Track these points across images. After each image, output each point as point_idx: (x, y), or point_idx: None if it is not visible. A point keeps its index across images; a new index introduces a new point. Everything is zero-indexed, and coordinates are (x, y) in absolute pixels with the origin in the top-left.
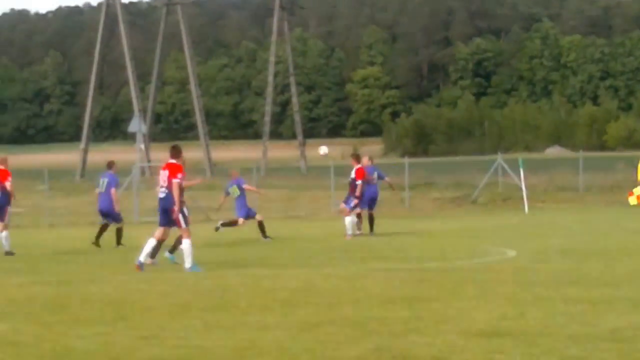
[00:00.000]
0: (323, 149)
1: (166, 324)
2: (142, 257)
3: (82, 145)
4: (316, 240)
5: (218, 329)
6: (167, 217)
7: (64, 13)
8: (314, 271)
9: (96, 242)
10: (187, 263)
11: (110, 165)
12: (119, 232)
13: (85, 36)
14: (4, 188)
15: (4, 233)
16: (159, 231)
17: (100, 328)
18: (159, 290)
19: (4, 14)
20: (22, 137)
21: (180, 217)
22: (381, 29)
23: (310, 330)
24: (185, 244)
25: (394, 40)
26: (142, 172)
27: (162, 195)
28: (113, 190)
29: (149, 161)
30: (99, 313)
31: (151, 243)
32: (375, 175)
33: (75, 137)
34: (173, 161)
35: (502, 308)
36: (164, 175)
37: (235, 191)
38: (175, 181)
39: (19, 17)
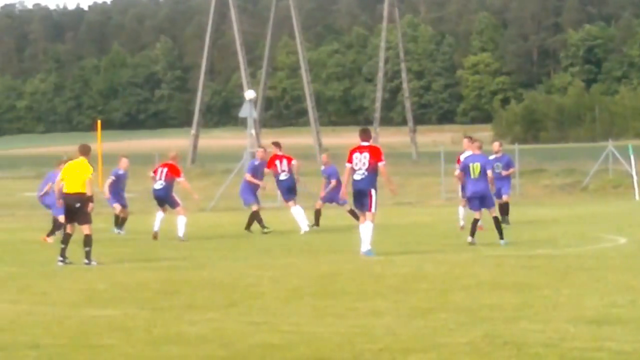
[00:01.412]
0: (249, 94)
1: (277, 310)
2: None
3: (192, 130)
4: (426, 226)
5: (329, 315)
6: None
7: None
8: (424, 257)
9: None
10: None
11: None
12: (253, 217)
13: (196, 21)
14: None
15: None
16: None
17: (212, 314)
18: (269, 276)
19: None
20: (133, 123)
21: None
22: (491, 14)
23: (421, 316)
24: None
25: (504, 26)
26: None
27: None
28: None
29: (259, 147)
30: (210, 299)
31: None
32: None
33: (185, 123)
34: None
35: (612, 295)
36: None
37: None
38: (380, 164)
39: (130, 2)
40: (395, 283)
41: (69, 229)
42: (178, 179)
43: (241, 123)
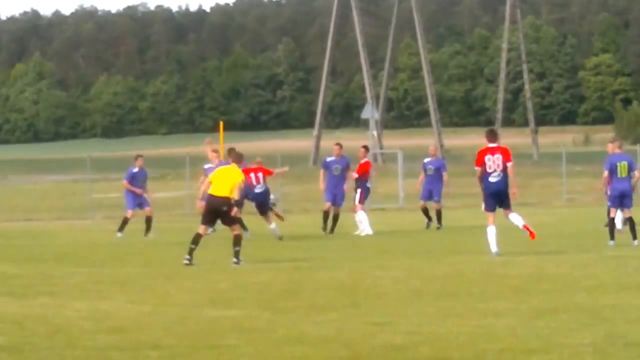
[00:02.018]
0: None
1: (399, 310)
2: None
3: (314, 131)
4: (547, 227)
5: (450, 315)
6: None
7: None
8: (545, 258)
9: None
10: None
11: None
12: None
13: (318, 23)
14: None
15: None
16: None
17: (334, 314)
18: (391, 277)
19: (238, 1)
20: (255, 124)
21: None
22: (613, 15)
23: (543, 317)
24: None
25: (626, 27)
26: (375, 159)
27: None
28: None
29: (381, 148)
30: (332, 299)
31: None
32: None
33: (307, 124)
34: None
35: None
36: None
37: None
38: (509, 164)
39: (252, 3)
40: (516, 283)
41: (201, 230)
42: (272, 176)
43: (363, 124)
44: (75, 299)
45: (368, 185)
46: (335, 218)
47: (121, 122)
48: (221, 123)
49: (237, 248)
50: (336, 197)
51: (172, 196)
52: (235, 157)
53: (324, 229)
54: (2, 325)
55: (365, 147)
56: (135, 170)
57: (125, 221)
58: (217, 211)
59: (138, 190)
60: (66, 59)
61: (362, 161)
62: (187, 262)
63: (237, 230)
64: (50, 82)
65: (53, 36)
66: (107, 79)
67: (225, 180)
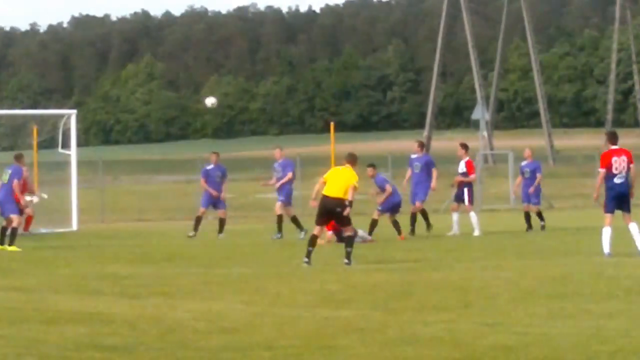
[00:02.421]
0: (209, 100)
1: (510, 311)
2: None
3: (425, 132)
4: None
5: (562, 316)
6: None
7: (405, 0)
8: None
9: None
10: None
11: None
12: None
13: (428, 23)
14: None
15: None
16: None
17: (445, 315)
18: (503, 277)
19: (348, 2)
20: (366, 124)
21: None
22: None
23: None
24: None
25: None
26: (485, 160)
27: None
28: None
29: (491, 149)
30: (443, 300)
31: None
32: None
33: (418, 125)
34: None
35: None
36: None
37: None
38: (632, 166)
39: (362, 4)
40: (629, 285)
41: (316, 231)
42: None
43: (473, 125)
44: (187, 299)
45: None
46: (414, 216)
47: (232, 123)
48: (332, 124)
49: (349, 249)
50: (416, 195)
51: None
52: (350, 159)
53: (412, 231)
54: (114, 326)
55: (463, 145)
56: (210, 167)
57: (197, 220)
58: (331, 212)
59: (213, 192)
60: (177, 60)
61: (465, 159)
62: (306, 264)
63: (350, 231)
64: (160, 83)
65: (164, 37)
66: (218, 80)
67: (340, 182)
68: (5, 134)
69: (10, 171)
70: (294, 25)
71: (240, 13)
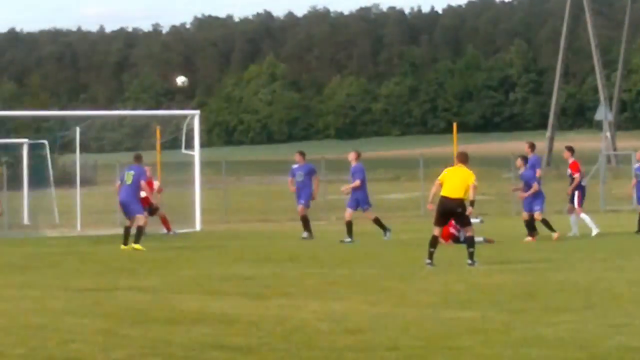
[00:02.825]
0: (180, 79)
1: (635, 312)
2: None
3: (547, 133)
4: None
5: None
6: None
7: (528, 1)
8: None
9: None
10: None
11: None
12: None
13: (550, 24)
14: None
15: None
16: None
17: (569, 316)
18: (626, 278)
19: (470, 2)
20: (488, 125)
21: None
22: None
23: None
24: None
25: None
26: (608, 160)
27: None
28: None
29: (614, 149)
30: (567, 301)
31: None
32: None
33: (540, 126)
34: None
35: None
36: None
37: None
38: None
39: (485, 5)
40: None
41: (437, 232)
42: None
43: (596, 126)
44: (311, 299)
45: (583, 184)
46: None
47: (354, 124)
48: (454, 124)
49: (471, 249)
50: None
51: (405, 197)
52: (462, 158)
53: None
54: (238, 326)
55: (569, 148)
56: (295, 166)
57: (303, 219)
58: (452, 212)
59: (292, 188)
60: (299, 60)
61: (571, 161)
62: (429, 265)
63: (471, 231)
64: (283, 84)
65: (286, 37)
66: (341, 80)
67: (458, 182)
68: (128, 135)
69: (133, 172)
70: (416, 26)
71: (363, 14)
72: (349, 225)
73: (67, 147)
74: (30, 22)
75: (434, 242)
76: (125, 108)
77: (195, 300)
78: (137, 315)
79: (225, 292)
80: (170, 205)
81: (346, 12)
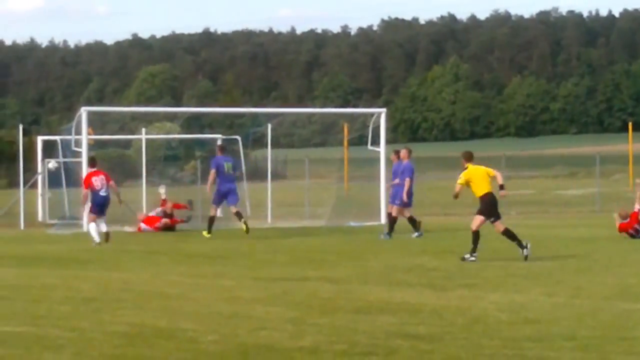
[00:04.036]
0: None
1: None
2: None
3: None
4: None
5: None
6: None
7: None
8: None
9: None
10: None
11: None
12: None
13: None
14: None
15: None
16: None
17: None
18: None
19: None
20: None
21: None
22: None
23: None
24: None
25: None
26: None
27: None
28: None
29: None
30: None
31: None
32: None
33: None
34: None
35: None
36: None
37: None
38: None
39: None
40: None
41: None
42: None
43: None
44: (491, 291)
45: None
46: None
47: (533, 122)
48: (629, 124)
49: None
50: None
51: (581, 193)
52: (466, 155)
53: None
54: (421, 316)
55: None
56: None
57: (411, 220)
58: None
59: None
60: (481, 61)
61: None
62: (472, 259)
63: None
64: (466, 84)
65: (469, 39)
66: (521, 81)
67: (485, 177)
68: (317, 131)
69: (231, 163)
70: (594, 29)
71: (542, 17)
72: (411, 220)
73: (258, 142)
74: (225, 23)
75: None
76: (314, 106)
77: (380, 290)
78: (324, 305)
79: (409, 283)
80: (357, 200)
81: (526, 16)
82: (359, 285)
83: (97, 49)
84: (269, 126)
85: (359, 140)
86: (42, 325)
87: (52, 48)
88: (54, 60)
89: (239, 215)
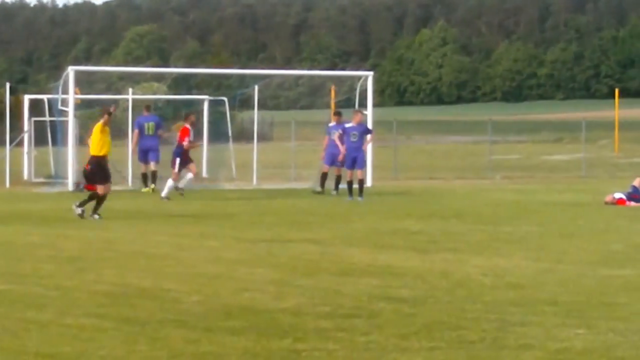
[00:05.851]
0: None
1: None
2: None
3: None
4: None
5: None
6: None
7: None
8: None
9: None
10: None
11: None
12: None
13: None
14: None
15: None
16: None
17: None
18: None
19: None
20: None
21: None
22: None
23: None
24: None
25: None
26: None
27: None
28: None
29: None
30: None
31: None
32: None
33: None
34: None
35: None
36: None
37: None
38: None
39: None
40: None
41: None
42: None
43: None
44: (475, 255)
45: None
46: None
47: (520, 87)
48: (616, 90)
49: None
50: None
51: (568, 158)
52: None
53: None
54: (405, 279)
55: None
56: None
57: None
58: None
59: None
60: (469, 26)
61: None
62: None
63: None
64: (454, 48)
65: (457, 3)
66: (508, 46)
67: None
68: (304, 94)
69: (153, 122)
70: None
71: None
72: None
73: (245, 104)
74: None
75: None
76: (301, 68)
77: (364, 253)
78: (308, 266)
79: (394, 246)
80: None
81: None
82: (343, 247)
83: (85, 8)
84: (256, 88)
85: (346, 103)
86: (25, 284)
87: (41, 7)
88: (43, 20)
89: (153, 175)
